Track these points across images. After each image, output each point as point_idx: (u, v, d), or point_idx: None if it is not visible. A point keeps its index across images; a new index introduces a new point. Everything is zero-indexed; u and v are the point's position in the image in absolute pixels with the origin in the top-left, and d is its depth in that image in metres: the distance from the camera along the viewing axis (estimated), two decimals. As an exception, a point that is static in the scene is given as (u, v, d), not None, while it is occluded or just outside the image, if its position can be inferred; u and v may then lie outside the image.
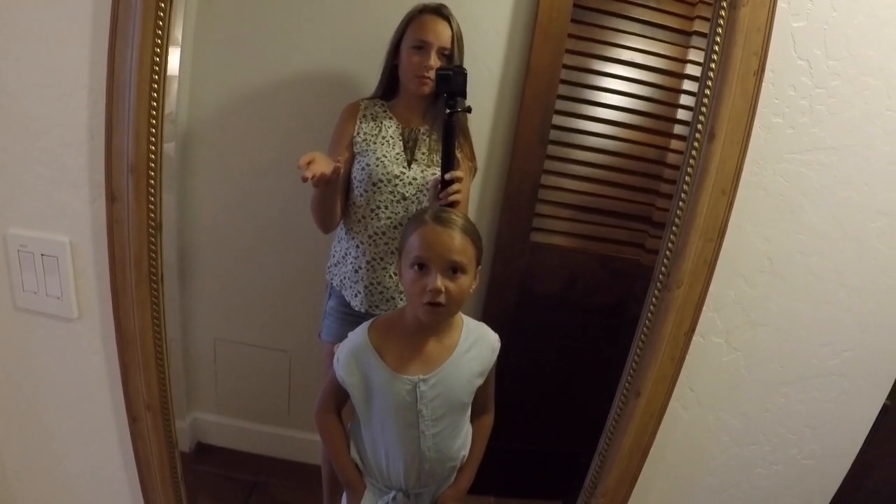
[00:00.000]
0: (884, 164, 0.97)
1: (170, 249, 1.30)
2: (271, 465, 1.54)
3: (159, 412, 1.06)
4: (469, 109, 1.16)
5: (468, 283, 1.04)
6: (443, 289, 1.00)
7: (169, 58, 0.91)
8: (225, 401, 1.56)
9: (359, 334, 1.11)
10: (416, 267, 1.02)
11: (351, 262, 1.28)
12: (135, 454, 1.10)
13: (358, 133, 1.26)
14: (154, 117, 0.92)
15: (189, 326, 1.47)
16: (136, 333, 1.00)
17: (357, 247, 1.26)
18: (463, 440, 1.17)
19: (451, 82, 1.16)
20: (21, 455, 1.20)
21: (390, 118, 1.27)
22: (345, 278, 1.29)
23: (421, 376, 1.08)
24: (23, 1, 0.93)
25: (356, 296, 1.27)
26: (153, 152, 0.93)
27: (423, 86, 1.23)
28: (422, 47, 1.20)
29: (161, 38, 0.89)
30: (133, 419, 1.07)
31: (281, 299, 1.44)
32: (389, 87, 1.27)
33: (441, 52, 1.21)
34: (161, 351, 1.03)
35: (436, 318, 1.05)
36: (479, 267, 1.07)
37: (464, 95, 1.16)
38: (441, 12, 1.21)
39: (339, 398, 1.15)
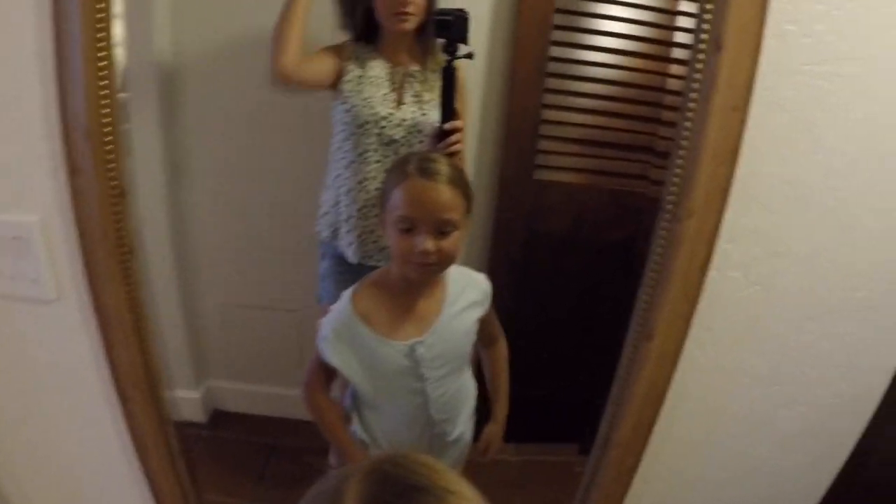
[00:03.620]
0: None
1: (161, 215, 1.26)
2: (287, 427, 1.52)
3: (148, 389, 1.01)
4: (471, 56, 1.09)
5: (460, 237, 0.96)
6: (434, 249, 0.93)
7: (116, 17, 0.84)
8: (236, 367, 1.55)
9: (342, 307, 1.03)
10: (402, 226, 0.94)
11: (342, 211, 1.22)
12: (130, 434, 1.06)
13: (344, 73, 1.18)
14: (104, 78, 0.85)
15: (191, 294, 1.43)
16: (113, 309, 0.95)
17: (346, 193, 1.21)
18: (471, 393, 1.12)
19: (452, 28, 1.08)
20: (17, 444, 1.17)
21: (376, 59, 1.20)
22: (336, 228, 1.23)
23: (417, 338, 1.01)
24: None
25: (349, 245, 1.22)
26: (107, 116, 0.86)
27: (402, 23, 1.15)
28: None
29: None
30: (124, 399, 1.03)
31: (283, 258, 1.40)
32: (366, 26, 1.19)
33: None
34: (142, 326, 0.98)
35: (428, 277, 0.99)
36: (470, 214, 0.99)
37: (465, 41, 1.08)
38: None
39: (327, 373, 1.08)
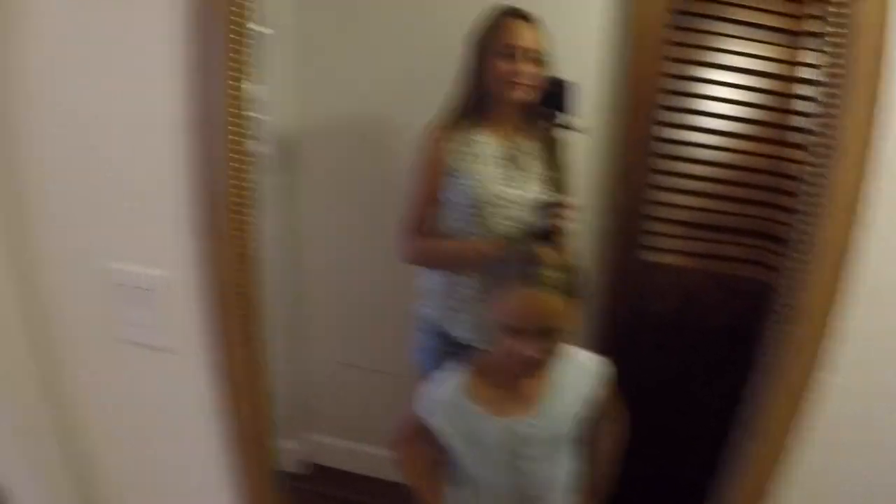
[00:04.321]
0: None
1: (278, 273, 1.34)
2: (381, 487, 1.53)
3: (257, 439, 1.06)
4: (579, 128, 1.10)
5: (564, 335, 0.96)
6: (537, 355, 0.93)
7: (255, 91, 0.93)
8: (339, 423, 1.59)
9: (451, 379, 1.05)
10: (505, 330, 0.94)
11: (456, 291, 1.22)
12: (237, 481, 1.11)
13: (452, 154, 1.19)
14: (240, 150, 0.93)
15: (302, 349, 1.50)
16: (232, 364, 1.01)
17: (461, 275, 1.21)
18: (572, 471, 1.10)
19: (559, 98, 1.10)
20: (125, 482, 1.24)
21: (483, 134, 1.20)
22: (447, 310, 1.23)
23: (523, 418, 1.01)
24: (113, 45, 0.97)
25: (462, 327, 1.21)
26: (243, 181, 0.93)
27: (515, 91, 1.16)
28: (511, 54, 1.14)
29: (238, 72, 0.90)
30: (234, 447, 1.08)
31: (395, 322, 1.43)
32: (475, 99, 1.20)
33: (531, 57, 1.14)
34: (258, 380, 1.03)
35: (533, 373, 0.99)
36: (578, 305, 0.97)
37: (572, 112, 1.10)
38: (527, 16, 1.15)
39: (421, 431, 1.08)
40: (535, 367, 0.97)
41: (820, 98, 0.80)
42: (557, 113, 1.11)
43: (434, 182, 1.20)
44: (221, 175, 0.92)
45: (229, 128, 0.91)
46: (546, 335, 0.93)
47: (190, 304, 1.04)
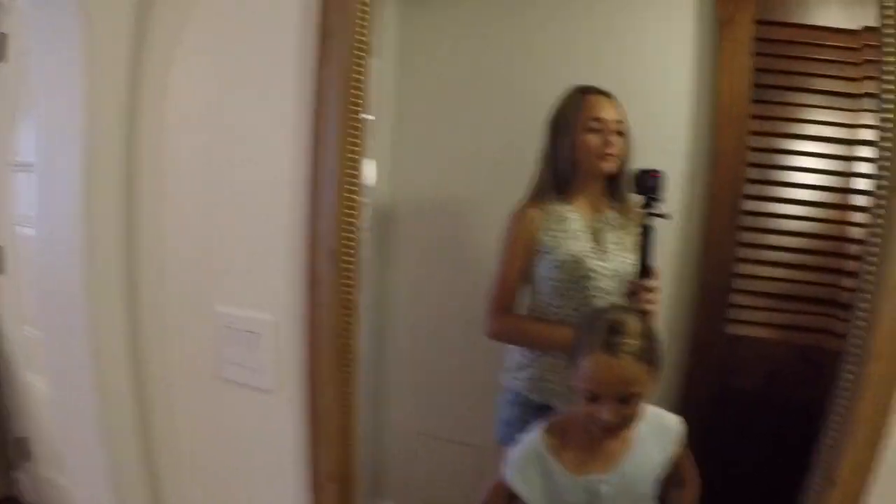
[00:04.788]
0: None
1: (366, 340, 1.40)
2: None
3: (342, 483, 1.11)
4: (668, 216, 1.13)
5: (644, 400, 1.00)
6: (616, 419, 0.98)
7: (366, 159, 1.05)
8: (412, 492, 1.60)
9: (533, 438, 1.09)
10: (586, 395, 0.99)
11: (546, 363, 1.24)
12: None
13: (541, 230, 1.22)
14: (352, 207, 1.05)
15: (381, 415, 1.55)
16: (328, 408, 1.09)
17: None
18: None
19: (649, 184, 1.13)
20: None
21: (570, 210, 1.24)
22: (538, 381, 1.24)
23: (602, 476, 1.04)
24: (245, 121, 1.14)
25: (546, 394, 1.24)
26: (352, 238, 1.05)
27: (606, 163, 1.20)
28: (599, 128, 1.19)
29: (356, 139, 1.03)
30: (319, 490, 1.13)
31: (475, 393, 1.46)
32: (561, 175, 1.24)
33: (617, 130, 1.20)
34: (349, 426, 1.10)
35: (612, 437, 1.03)
36: (658, 372, 1.02)
37: (661, 199, 1.13)
38: (606, 93, 1.22)
39: (506, 499, 1.10)
40: (613, 432, 1.01)
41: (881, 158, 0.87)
42: (649, 200, 1.13)
43: (523, 258, 1.24)
44: (335, 231, 1.04)
45: (345, 191, 1.04)
46: (624, 401, 0.97)
47: (291, 348, 1.13)
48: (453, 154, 1.45)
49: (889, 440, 0.93)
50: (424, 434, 1.53)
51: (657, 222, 1.14)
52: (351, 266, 1.05)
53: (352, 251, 1.05)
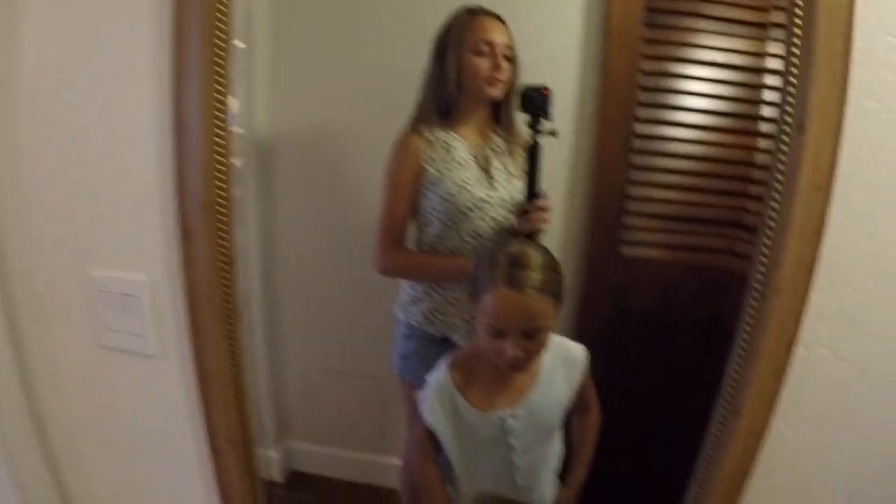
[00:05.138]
0: None
1: (254, 281, 1.34)
2: (365, 492, 1.54)
3: (241, 445, 1.06)
4: (556, 133, 1.09)
5: (549, 332, 0.97)
6: (521, 354, 0.94)
7: (231, 97, 0.93)
8: (317, 429, 1.60)
9: (440, 377, 1.07)
10: (490, 331, 0.95)
11: (440, 296, 1.21)
12: (218, 488, 1.10)
13: (426, 161, 1.17)
14: (221, 155, 0.93)
15: (279, 356, 1.50)
16: (215, 369, 1.01)
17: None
18: (556, 455, 1.12)
19: (537, 102, 1.09)
20: (107, 490, 1.23)
21: (455, 138, 1.18)
22: (433, 314, 1.22)
23: (509, 411, 1.03)
24: (98, 55, 0.97)
25: (453, 329, 1.21)
26: (223, 186, 0.94)
27: (493, 88, 1.14)
28: (486, 51, 1.13)
29: (223, 77, 0.90)
30: (215, 453, 1.07)
31: (369, 325, 1.43)
32: (446, 100, 1.17)
33: (506, 55, 1.14)
34: (240, 385, 1.03)
35: (518, 371, 1.00)
36: (562, 304, 0.99)
37: (549, 117, 1.10)
38: (497, 15, 1.15)
39: (432, 448, 1.09)
40: (519, 367, 0.98)
41: (787, 82, 0.82)
42: (536, 118, 1.09)
43: (409, 190, 1.18)
44: (204, 180, 0.93)
45: (211, 136, 0.91)
46: (529, 336, 0.94)
47: (171, 309, 1.04)
48: (336, 80, 1.34)
49: (792, 372, 0.93)
50: (325, 370, 1.52)
51: (546, 140, 1.10)
52: (224, 217, 0.94)
53: (224, 200, 0.94)
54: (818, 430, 1.01)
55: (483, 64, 1.14)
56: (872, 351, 0.96)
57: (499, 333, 0.94)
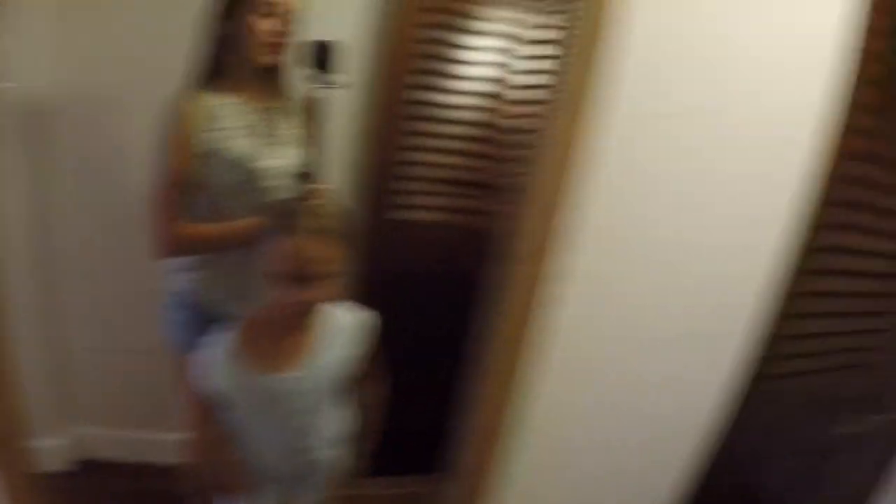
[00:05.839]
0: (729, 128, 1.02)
1: (24, 258, 1.23)
2: (158, 472, 1.51)
3: (10, 440, 1.00)
4: (341, 85, 1.07)
5: (339, 280, 0.99)
6: (305, 301, 0.96)
7: None
8: (102, 411, 1.53)
9: (217, 341, 1.05)
10: (276, 278, 0.95)
11: (214, 266, 1.17)
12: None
13: (203, 129, 1.09)
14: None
15: (54, 339, 1.42)
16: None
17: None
18: (340, 422, 1.15)
19: (323, 57, 1.06)
20: None
21: (232, 102, 1.11)
22: (211, 283, 1.18)
23: (290, 374, 1.03)
24: None
25: (227, 298, 1.17)
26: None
27: (275, 54, 1.09)
28: (272, 12, 1.06)
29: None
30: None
31: (153, 299, 1.32)
32: (220, 65, 1.09)
33: (290, 17, 1.08)
34: (6, 374, 0.96)
35: (301, 321, 1.02)
36: (346, 250, 1.00)
37: (333, 71, 1.07)
38: None
39: (213, 414, 1.07)
40: (301, 319, 1.01)
41: (549, 57, 0.92)
42: (320, 73, 1.07)
43: (185, 163, 1.09)
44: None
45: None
46: (319, 279, 0.96)
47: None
48: (112, 43, 1.26)
49: (536, 332, 1.05)
50: (106, 349, 1.46)
51: (330, 95, 1.10)
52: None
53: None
54: (566, 380, 1.14)
55: (265, 25, 1.07)
56: (612, 308, 1.11)
57: (287, 280, 0.94)
